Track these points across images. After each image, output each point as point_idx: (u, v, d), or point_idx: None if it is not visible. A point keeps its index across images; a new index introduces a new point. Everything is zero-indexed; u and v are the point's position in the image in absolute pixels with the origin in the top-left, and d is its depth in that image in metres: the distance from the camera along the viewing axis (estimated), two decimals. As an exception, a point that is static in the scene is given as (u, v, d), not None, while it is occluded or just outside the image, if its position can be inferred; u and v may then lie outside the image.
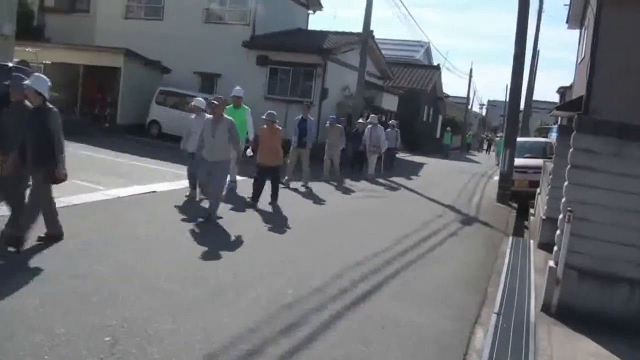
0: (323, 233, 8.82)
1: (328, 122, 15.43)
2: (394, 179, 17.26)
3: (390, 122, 20.95)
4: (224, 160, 8.60)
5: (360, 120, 18.18)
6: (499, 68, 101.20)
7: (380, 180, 16.42)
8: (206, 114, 9.33)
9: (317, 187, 13.41)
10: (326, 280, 6.14)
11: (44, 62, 18.75)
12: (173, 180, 11.48)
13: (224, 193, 9.03)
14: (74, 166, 9.32)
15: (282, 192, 11.02)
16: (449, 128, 35.91)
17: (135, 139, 18.98)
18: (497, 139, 33.98)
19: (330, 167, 15.27)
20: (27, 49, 18.41)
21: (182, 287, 5.38)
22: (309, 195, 12.34)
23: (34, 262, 5.62)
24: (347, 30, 24.18)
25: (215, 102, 8.57)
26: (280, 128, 10.62)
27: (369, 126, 17.06)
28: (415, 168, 22.83)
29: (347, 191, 13.73)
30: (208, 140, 8.46)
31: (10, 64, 10.40)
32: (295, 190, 12.66)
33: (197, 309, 4.89)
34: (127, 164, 13.07)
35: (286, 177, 12.90)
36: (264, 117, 10.53)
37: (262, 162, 10.36)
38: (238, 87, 11.68)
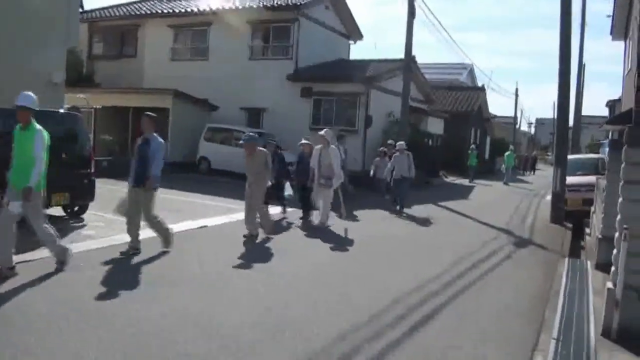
0: (379, 261, 8.75)
1: (242, 140, 10.28)
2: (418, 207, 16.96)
3: (399, 144, 15.52)
4: None
5: (304, 141, 12.53)
6: (546, 85, 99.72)
7: (335, 229, 11.19)
8: None
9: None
10: (381, 310, 6.06)
11: (94, 106, 19.48)
12: (224, 214, 11.65)
13: None
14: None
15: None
16: (472, 146, 29.63)
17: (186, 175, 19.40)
18: (508, 152, 30.25)
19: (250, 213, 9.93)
20: (78, 95, 19.19)
21: (238, 328, 5.30)
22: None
23: (90, 305, 5.71)
24: (389, 57, 24.32)
25: None
26: None
27: (318, 147, 11.77)
28: (457, 192, 22.52)
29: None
30: None
31: (62, 110, 10.89)
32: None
33: (257, 350, 4.84)
34: (178, 200, 13.34)
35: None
36: None
37: None
38: (26, 93, 6.70)
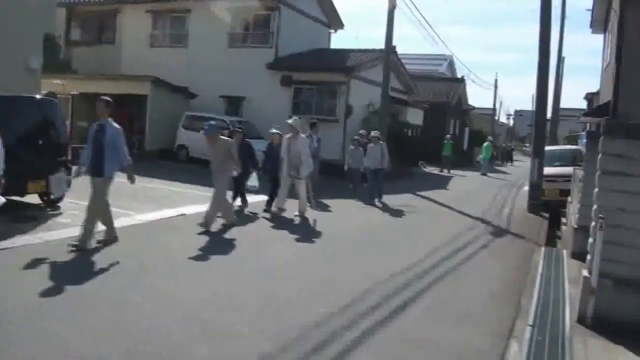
0: (353, 250, 8.78)
1: (204, 131, 9.92)
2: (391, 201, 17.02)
3: (373, 133, 15.18)
4: None
5: (274, 130, 11.97)
6: (526, 78, 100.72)
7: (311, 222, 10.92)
8: None
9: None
10: (358, 296, 6.11)
11: (72, 93, 19.17)
12: (202, 203, 11.55)
13: None
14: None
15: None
16: (448, 136, 29.58)
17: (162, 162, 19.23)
18: (486, 144, 30.16)
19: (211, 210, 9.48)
20: (55, 81, 18.88)
21: (219, 313, 5.37)
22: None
23: (72, 291, 5.66)
24: (370, 47, 24.22)
25: None
26: None
27: (287, 136, 11.40)
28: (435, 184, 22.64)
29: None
30: None
31: (38, 96, 10.71)
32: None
33: (235, 334, 4.88)
34: (156, 188, 13.23)
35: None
36: None
37: None
38: None
